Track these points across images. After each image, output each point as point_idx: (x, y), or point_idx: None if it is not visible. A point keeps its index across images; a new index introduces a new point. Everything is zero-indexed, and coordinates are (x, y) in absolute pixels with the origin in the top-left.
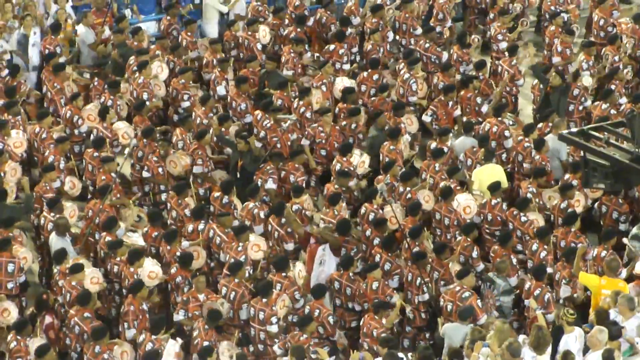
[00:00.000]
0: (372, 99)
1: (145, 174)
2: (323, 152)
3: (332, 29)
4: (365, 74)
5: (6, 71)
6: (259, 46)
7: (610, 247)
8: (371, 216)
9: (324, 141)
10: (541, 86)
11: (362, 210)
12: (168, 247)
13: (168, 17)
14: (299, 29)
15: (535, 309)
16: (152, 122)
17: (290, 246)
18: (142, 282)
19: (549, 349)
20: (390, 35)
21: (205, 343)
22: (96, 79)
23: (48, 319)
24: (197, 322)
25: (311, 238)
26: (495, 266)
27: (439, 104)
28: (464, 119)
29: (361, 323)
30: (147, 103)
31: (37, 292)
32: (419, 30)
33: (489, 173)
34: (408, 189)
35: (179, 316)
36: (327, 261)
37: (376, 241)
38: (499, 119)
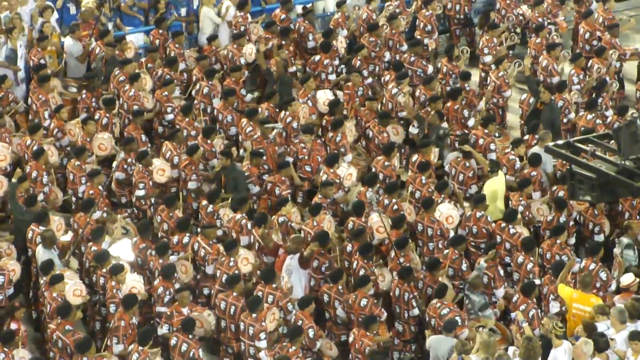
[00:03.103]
0: (362, 109)
1: (139, 193)
2: (308, 168)
3: (310, 39)
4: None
5: None
6: (242, 61)
7: (598, 260)
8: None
9: (306, 157)
10: (531, 100)
11: (350, 224)
12: (160, 260)
13: (160, 31)
14: (283, 42)
15: (521, 321)
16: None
17: (270, 258)
18: (135, 296)
19: None
20: (387, 55)
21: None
22: (84, 91)
23: (13, 326)
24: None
25: (280, 248)
26: (469, 282)
27: (425, 115)
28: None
29: (351, 339)
30: (145, 113)
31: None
32: (405, 47)
33: (488, 185)
34: (394, 200)
35: (162, 330)
36: (293, 272)
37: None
38: (486, 131)
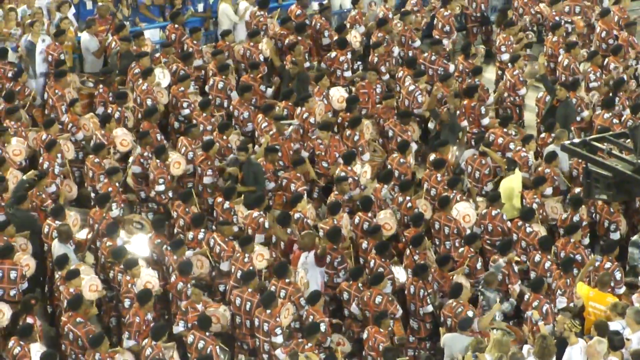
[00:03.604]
0: (377, 106)
1: (159, 188)
2: (324, 164)
3: (326, 35)
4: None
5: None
6: (261, 57)
7: (614, 258)
8: (365, 225)
9: (323, 153)
10: (547, 98)
11: (357, 219)
12: (174, 257)
13: (176, 25)
14: (299, 37)
15: (537, 320)
16: None
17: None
18: (150, 292)
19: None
20: (396, 50)
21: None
22: (101, 86)
23: (30, 320)
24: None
25: (295, 245)
26: (484, 279)
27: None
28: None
29: (365, 336)
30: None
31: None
32: (418, 43)
33: (505, 183)
34: (408, 198)
35: (179, 327)
36: (309, 269)
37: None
38: (505, 130)
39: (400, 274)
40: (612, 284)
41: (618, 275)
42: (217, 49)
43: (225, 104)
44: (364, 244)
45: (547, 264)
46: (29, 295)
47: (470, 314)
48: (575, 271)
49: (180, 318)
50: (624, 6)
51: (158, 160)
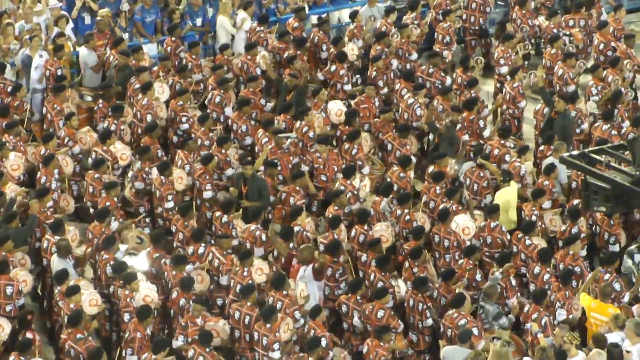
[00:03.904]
0: (375, 120)
1: (169, 205)
2: (323, 178)
3: (324, 49)
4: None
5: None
6: (258, 71)
7: (614, 270)
8: (361, 238)
9: (322, 166)
10: (545, 110)
11: (353, 232)
12: (174, 272)
13: (173, 38)
14: (299, 52)
15: (536, 332)
16: None
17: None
18: (149, 307)
19: None
20: (394, 62)
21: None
22: (100, 101)
23: (29, 335)
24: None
25: (294, 259)
26: (484, 292)
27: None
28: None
29: (365, 350)
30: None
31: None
32: (415, 56)
33: (500, 195)
34: (406, 210)
35: (178, 342)
36: (307, 283)
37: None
38: (502, 142)
39: (401, 287)
40: (612, 296)
41: (617, 286)
42: (217, 64)
43: (222, 119)
44: (364, 257)
45: (546, 276)
46: (24, 311)
47: (475, 330)
48: (574, 283)
49: (180, 332)
50: (619, 17)
51: (163, 177)
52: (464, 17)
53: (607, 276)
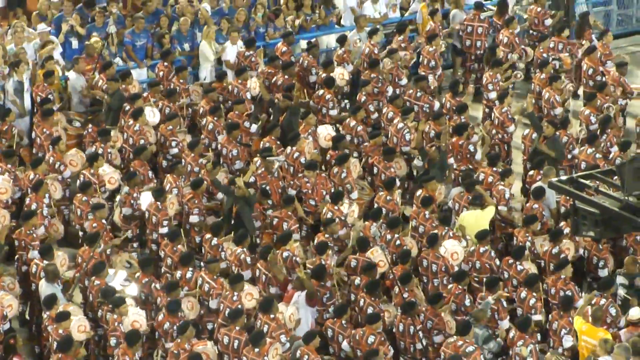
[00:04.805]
0: (365, 144)
1: (163, 230)
2: (312, 202)
3: (313, 73)
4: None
5: None
6: (248, 95)
7: (609, 295)
8: (353, 263)
9: (310, 191)
10: (533, 135)
11: (353, 262)
12: (168, 299)
13: (165, 64)
14: (286, 76)
15: (525, 357)
16: None
17: (276, 290)
18: (138, 332)
19: None
20: (391, 90)
21: None
22: (90, 125)
23: None
24: None
25: (289, 285)
26: (473, 315)
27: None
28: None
29: None
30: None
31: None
32: (404, 81)
33: (475, 219)
34: (396, 235)
35: None
36: (301, 309)
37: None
38: (494, 169)
39: (392, 312)
40: (609, 321)
41: (613, 311)
42: (210, 87)
43: (214, 145)
44: (357, 281)
45: (532, 301)
46: (9, 336)
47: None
48: None
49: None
50: (607, 42)
51: (158, 203)
52: (468, 43)
53: (602, 301)
